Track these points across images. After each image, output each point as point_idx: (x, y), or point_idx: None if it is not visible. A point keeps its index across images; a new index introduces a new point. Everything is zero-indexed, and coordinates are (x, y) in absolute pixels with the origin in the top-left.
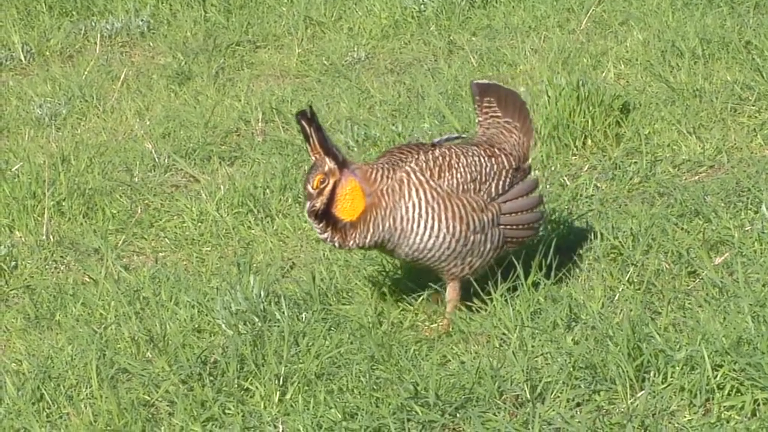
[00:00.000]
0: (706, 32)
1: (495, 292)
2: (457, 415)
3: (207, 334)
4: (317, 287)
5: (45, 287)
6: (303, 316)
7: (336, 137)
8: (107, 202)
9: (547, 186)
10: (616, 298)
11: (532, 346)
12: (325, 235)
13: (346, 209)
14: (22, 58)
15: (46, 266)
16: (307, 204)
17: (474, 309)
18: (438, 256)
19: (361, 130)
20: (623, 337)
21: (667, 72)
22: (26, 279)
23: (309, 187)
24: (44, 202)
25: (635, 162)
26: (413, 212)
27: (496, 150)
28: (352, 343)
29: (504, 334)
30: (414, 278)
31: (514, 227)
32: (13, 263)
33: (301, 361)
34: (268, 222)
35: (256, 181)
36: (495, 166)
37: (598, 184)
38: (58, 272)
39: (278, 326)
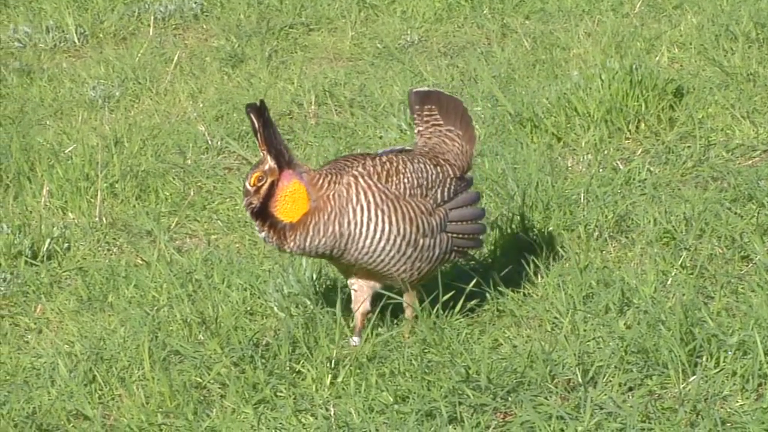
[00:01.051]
0: (760, 16)
1: (547, 276)
2: (509, 398)
3: (259, 316)
4: None
5: (98, 269)
6: None
7: (389, 120)
8: (160, 184)
9: (600, 170)
10: (669, 282)
11: (584, 330)
12: (263, 233)
13: (285, 210)
14: (76, 41)
15: (99, 248)
16: (244, 200)
17: (526, 293)
18: (388, 260)
19: None
20: (676, 322)
21: (720, 56)
22: (79, 261)
23: (246, 184)
24: (97, 184)
25: (688, 146)
26: (361, 215)
27: (440, 159)
28: (404, 326)
29: (556, 318)
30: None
31: (460, 236)
32: (66, 245)
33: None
34: None
35: (308, 164)
36: (440, 174)
37: (651, 168)
38: (111, 254)
39: (330, 309)
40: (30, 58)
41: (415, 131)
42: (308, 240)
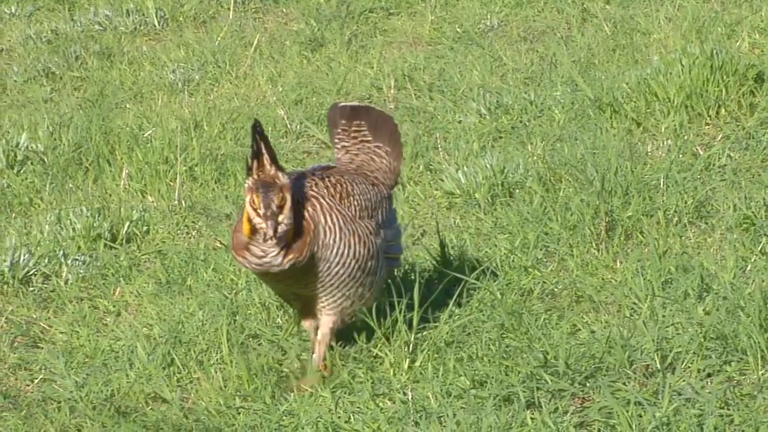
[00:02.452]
0: None
1: (626, 262)
2: (587, 384)
3: None
4: (448, 255)
5: (176, 252)
6: (433, 283)
7: (468, 105)
8: (239, 168)
9: (680, 155)
10: (749, 268)
11: (663, 316)
12: (275, 257)
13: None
14: (156, 24)
15: (178, 231)
16: (269, 228)
17: (604, 278)
18: (337, 284)
19: (494, 98)
20: (755, 308)
21: None
22: (158, 244)
23: (271, 206)
24: (176, 168)
25: None
26: (329, 237)
27: (373, 179)
28: (482, 311)
29: (635, 303)
30: (543, 247)
31: (390, 256)
32: (145, 228)
33: (430, 328)
34: (398, 189)
35: None
36: (378, 194)
37: (731, 154)
38: (190, 237)
39: (409, 293)
40: (110, 41)
41: (338, 146)
42: (303, 258)
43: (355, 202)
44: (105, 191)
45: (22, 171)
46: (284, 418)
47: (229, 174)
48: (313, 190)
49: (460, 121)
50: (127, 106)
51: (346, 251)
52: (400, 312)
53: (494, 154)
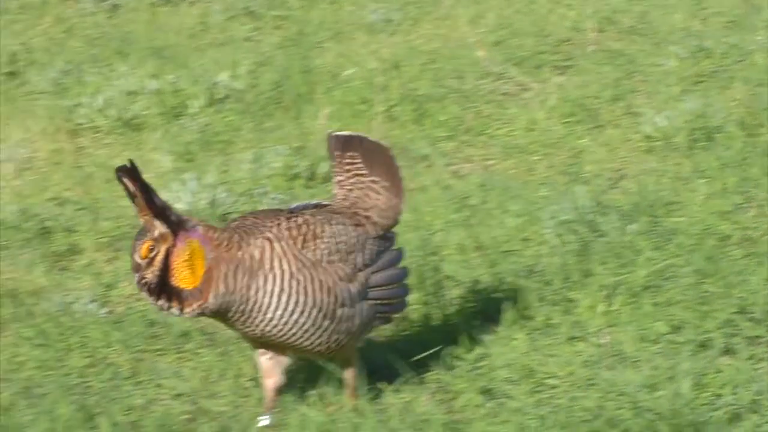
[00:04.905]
0: None
1: None
2: None
3: (533, 243)
4: (646, 199)
5: None
6: (631, 227)
7: (669, 49)
8: (438, 109)
9: None
10: None
11: None
12: (162, 306)
13: (185, 278)
14: None
15: None
16: (135, 276)
17: None
18: (301, 333)
19: (695, 42)
20: None
21: None
22: None
23: (136, 257)
24: (375, 108)
25: None
26: (273, 285)
27: (361, 218)
28: (679, 255)
29: None
30: (742, 192)
31: (382, 302)
32: None
33: (627, 272)
34: (597, 132)
35: (587, 91)
36: (361, 236)
37: None
38: None
39: (606, 237)
40: None
41: (334, 181)
42: (211, 305)
43: (323, 246)
44: (303, 130)
45: (222, 109)
46: (478, 360)
47: (427, 115)
48: (270, 232)
49: (660, 65)
50: (327, 45)
51: (302, 299)
52: (596, 255)
53: (694, 98)
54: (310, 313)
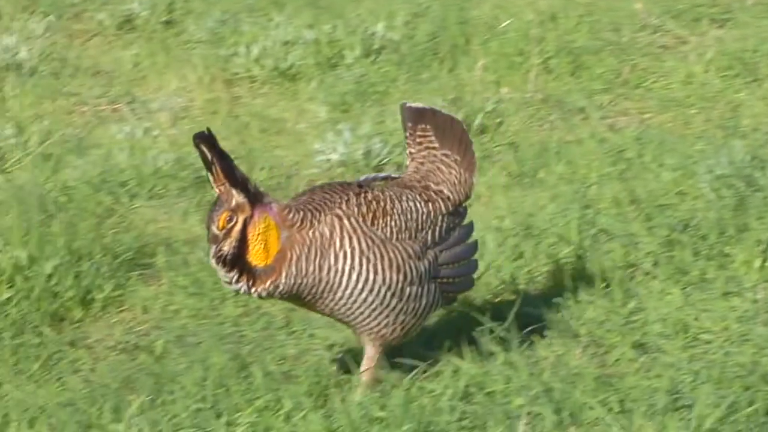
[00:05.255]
0: None
1: None
2: None
3: (689, 197)
4: None
5: (529, 144)
6: None
7: None
8: (594, 61)
9: None
10: None
11: None
12: (235, 283)
13: (259, 254)
14: None
15: (531, 123)
16: (212, 249)
17: None
18: (368, 312)
19: None
20: None
21: None
22: (511, 136)
23: (213, 228)
24: (531, 60)
25: None
26: (344, 263)
27: (432, 194)
28: None
29: None
30: None
31: (452, 280)
32: (499, 120)
33: None
34: (756, 86)
35: (745, 45)
36: (431, 213)
37: None
38: (543, 130)
39: (762, 192)
40: None
41: (406, 152)
42: (281, 285)
43: (393, 223)
44: (459, 82)
45: (378, 60)
46: (632, 315)
47: (583, 67)
48: (340, 208)
49: None
50: None
51: (371, 277)
52: (753, 210)
53: None
54: (378, 292)
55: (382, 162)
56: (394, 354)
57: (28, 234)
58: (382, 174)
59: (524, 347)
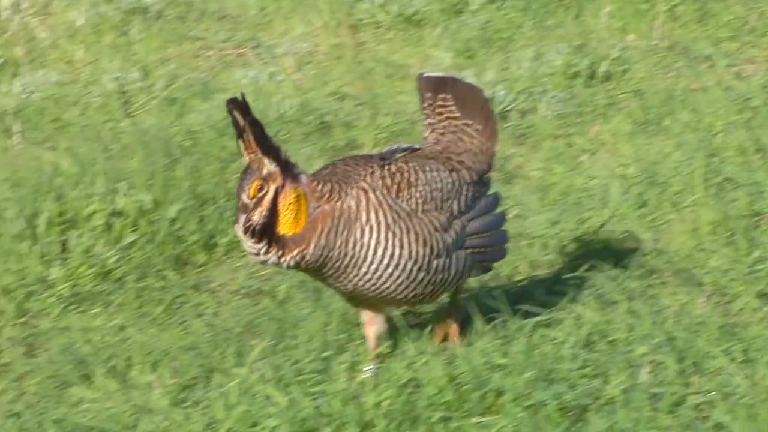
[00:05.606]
0: None
1: None
2: None
3: None
4: None
5: (654, 92)
6: None
7: None
8: (721, 9)
9: None
10: None
11: None
12: (262, 253)
13: (288, 223)
14: None
15: (656, 71)
16: (240, 218)
17: None
18: (394, 287)
19: None
20: None
21: None
22: (636, 83)
23: (244, 197)
24: (658, 7)
25: None
26: (369, 237)
27: (455, 163)
28: None
29: None
30: None
31: (480, 249)
32: (624, 67)
33: None
34: None
35: None
36: (456, 182)
37: None
38: (668, 78)
39: None
40: None
41: (425, 123)
42: (308, 255)
43: (417, 194)
44: (584, 28)
45: (503, 6)
46: (757, 263)
47: (710, 15)
48: (365, 181)
49: None
50: None
51: (397, 251)
52: None
53: None
54: (405, 267)
55: (506, 109)
56: (516, 301)
57: (153, 178)
58: (404, 145)
59: (647, 296)
